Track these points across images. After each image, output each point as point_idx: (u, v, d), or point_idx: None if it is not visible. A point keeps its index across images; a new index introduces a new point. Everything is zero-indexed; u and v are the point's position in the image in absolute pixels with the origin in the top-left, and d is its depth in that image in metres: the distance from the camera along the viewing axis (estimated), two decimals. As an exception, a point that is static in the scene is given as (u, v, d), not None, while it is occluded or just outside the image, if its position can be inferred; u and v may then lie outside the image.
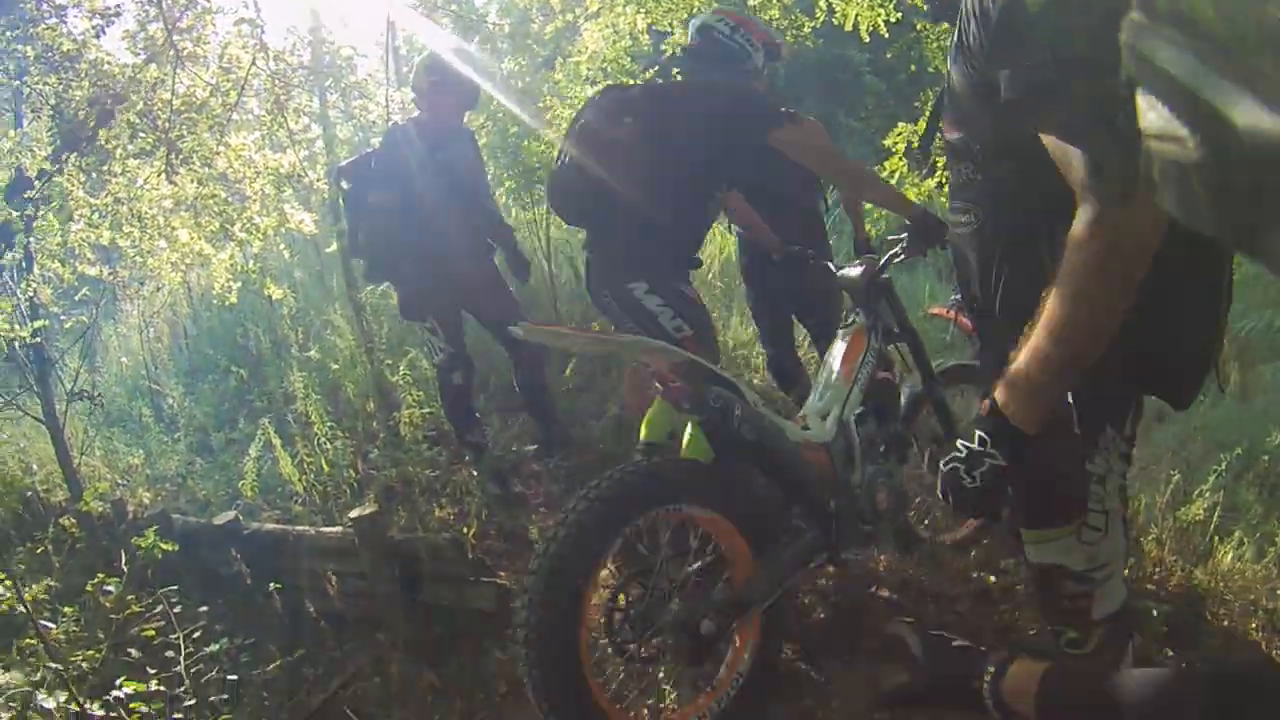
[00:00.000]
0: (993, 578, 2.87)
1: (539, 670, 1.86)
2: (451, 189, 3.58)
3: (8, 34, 4.22)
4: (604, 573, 2.08)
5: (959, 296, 2.63)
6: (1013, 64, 1.08)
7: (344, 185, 3.64)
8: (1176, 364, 1.64)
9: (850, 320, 2.66)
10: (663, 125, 2.68)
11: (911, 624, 1.13)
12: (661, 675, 2.32)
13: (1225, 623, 2.73)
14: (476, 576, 2.91)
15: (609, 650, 2.10)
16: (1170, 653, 2.48)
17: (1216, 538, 3.12)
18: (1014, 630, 2.63)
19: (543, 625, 1.85)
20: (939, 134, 4.46)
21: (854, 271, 2.65)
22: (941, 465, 1.37)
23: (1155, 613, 2.58)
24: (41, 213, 4.36)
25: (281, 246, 5.34)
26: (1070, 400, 1.62)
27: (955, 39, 1.32)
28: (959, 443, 1.35)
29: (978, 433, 1.31)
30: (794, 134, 2.60)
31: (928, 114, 4.76)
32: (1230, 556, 2.98)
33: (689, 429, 2.44)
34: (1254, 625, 2.71)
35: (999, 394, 1.29)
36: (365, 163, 3.63)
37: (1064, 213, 1.21)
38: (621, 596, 2.10)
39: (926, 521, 3.04)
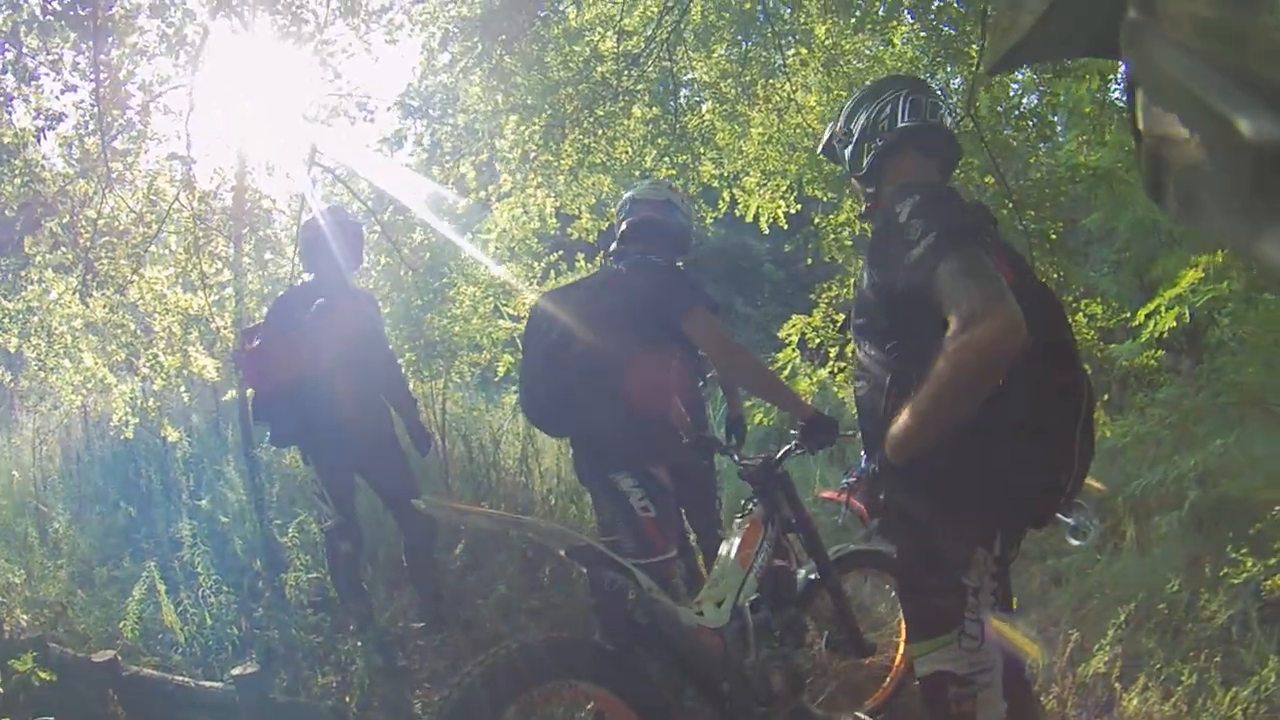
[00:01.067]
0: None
1: None
2: (346, 352, 3.61)
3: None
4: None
5: (850, 480, 2.93)
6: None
7: (246, 348, 3.70)
8: (1032, 492, 1.95)
9: (748, 509, 2.82)
10: (603, 318, 2.88)
11: None
12: None
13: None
14: None
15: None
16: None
17: (1119, 686, 3.20)
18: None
19: None
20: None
21: (753, 463, 2.79)
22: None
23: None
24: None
25: (182, 389, 5.28)
26: (938, 527, 1.97)
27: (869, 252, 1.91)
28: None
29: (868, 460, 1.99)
30: (702, 325, 2.80)
31: (823, 307, 5.07)
32: (1136, 702, 3.09)
33: None
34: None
35: (889, 433, 1.80)
36: (267, 328, 3.70)
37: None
38: None
39: (821, 700, 3.14)
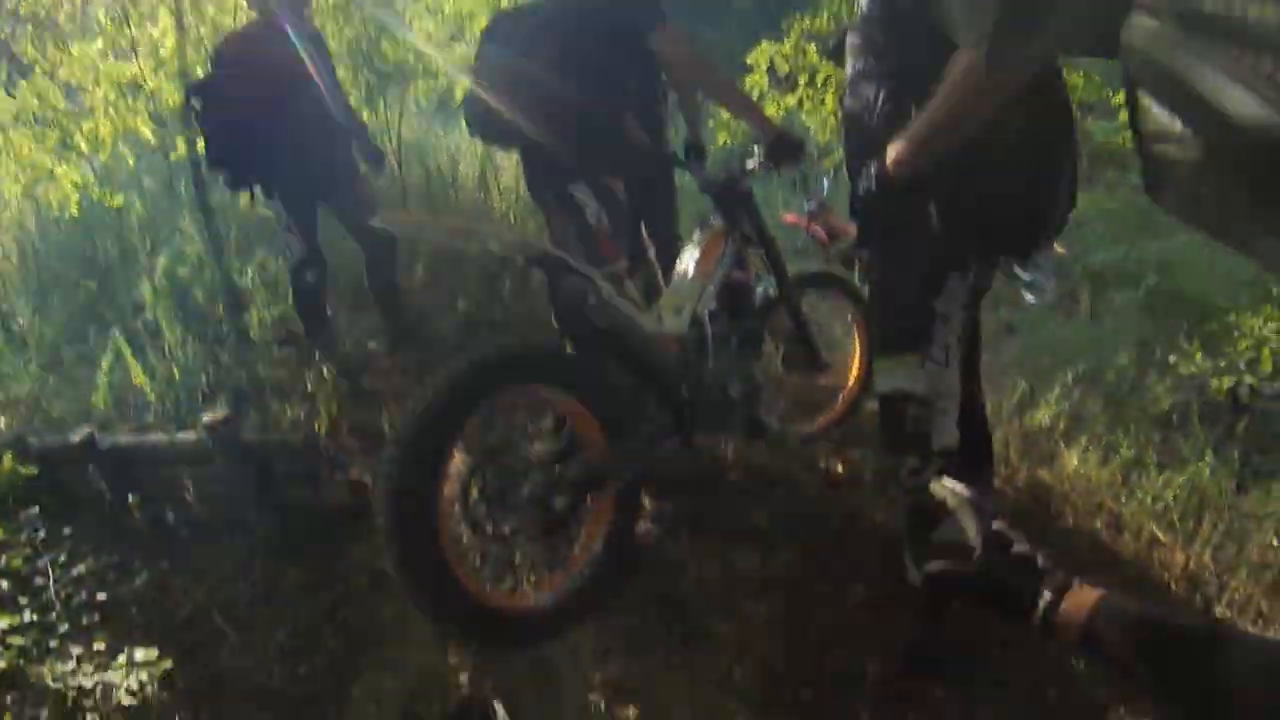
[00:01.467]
0: (840, 466, 3.03)
1: (398, 551, 1.86)
2: (296, 88, 3.56)
3: None
4: (459, 455, 2.09)
5: (812, 206, 2.77)
6: None
7: (195, 105, 3.56)
8: (1015, 221, 1.91)
9: (709, 223, 2.73)
10: (562, 42, 2.69)
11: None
12: (518, 555, 2.38)
13: (1070, 521, 2.93)
14: (331, 474, 2.91)
15: (467, 529, 2.11)
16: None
17: (1062, 443, 3.32)
18: (860, 517, 2.79)
19: (401, 502, 1.85)
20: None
21: (716, 177, 2.73)
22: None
23: (1001, 503, 2.75)
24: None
25: (126, 154, 5.13)
26: (919, 244, 1.93)
27: None
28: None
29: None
30: (670, 39, 2.66)
31: (794, 36, 4.74)
32: (1076, 461, 3.17)
33: None
34: (1099, 524, 2.92)
35: (894, 151, 1.77)
36: (212, 78, 3.61)
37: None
38: (476, 477, 2.10)
39: (776, 415, 3.16)
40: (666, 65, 2.88)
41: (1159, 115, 0.49)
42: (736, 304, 2.73)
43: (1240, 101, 0.40)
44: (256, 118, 3.49)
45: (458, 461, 2.09)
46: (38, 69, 4.65)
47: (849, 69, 2.02)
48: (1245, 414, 3.79)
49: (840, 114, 2.19)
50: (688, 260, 2.67)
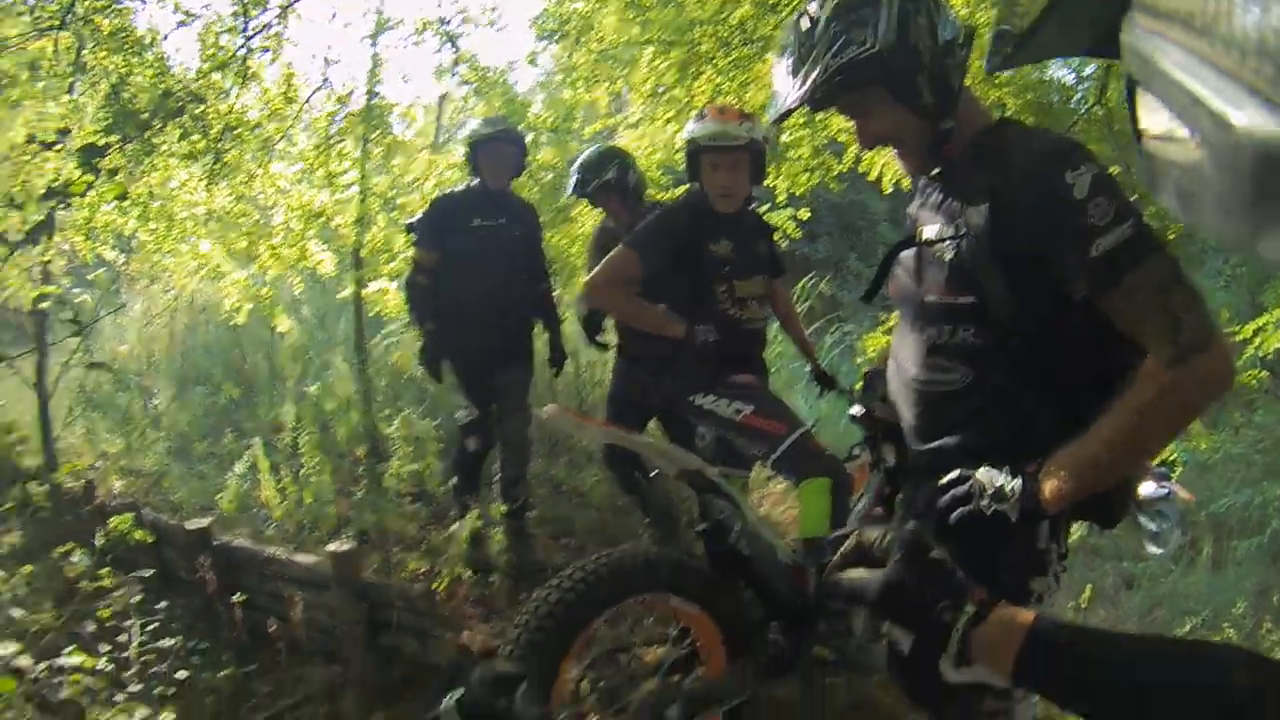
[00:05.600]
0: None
1: None
2: (508, 255, 3.67)
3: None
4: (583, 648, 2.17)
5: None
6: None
7: (421, 276, 3.70)
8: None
9: (854, 454, 2.68)
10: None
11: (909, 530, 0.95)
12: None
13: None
14: (443, 631, 3.01)
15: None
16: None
17: None
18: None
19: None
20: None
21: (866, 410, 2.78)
22: (952, 478, 1.44)
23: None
24: (98, 182, 4.37)
25: (296, 280, 5.40)
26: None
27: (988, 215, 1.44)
28: (984, 473, 1.41)
29: (1010, 482, 1.38)
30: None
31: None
32: None
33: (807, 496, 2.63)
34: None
35: (1051, 467, 1.37)
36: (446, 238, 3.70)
37: (1058, 377, 1.46)
38: (592, 671, 2.24)
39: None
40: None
41: (1159, 115, 0.49)
42: None
43: (1240, 102, 0.39)
44: (495, 293, 3.60)
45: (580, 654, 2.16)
46: (239, 174, 4.82)
47: (923, 327, 1.62)
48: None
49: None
50: None
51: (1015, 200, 1.41)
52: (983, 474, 1.40)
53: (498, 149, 3.71)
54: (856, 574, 0.98)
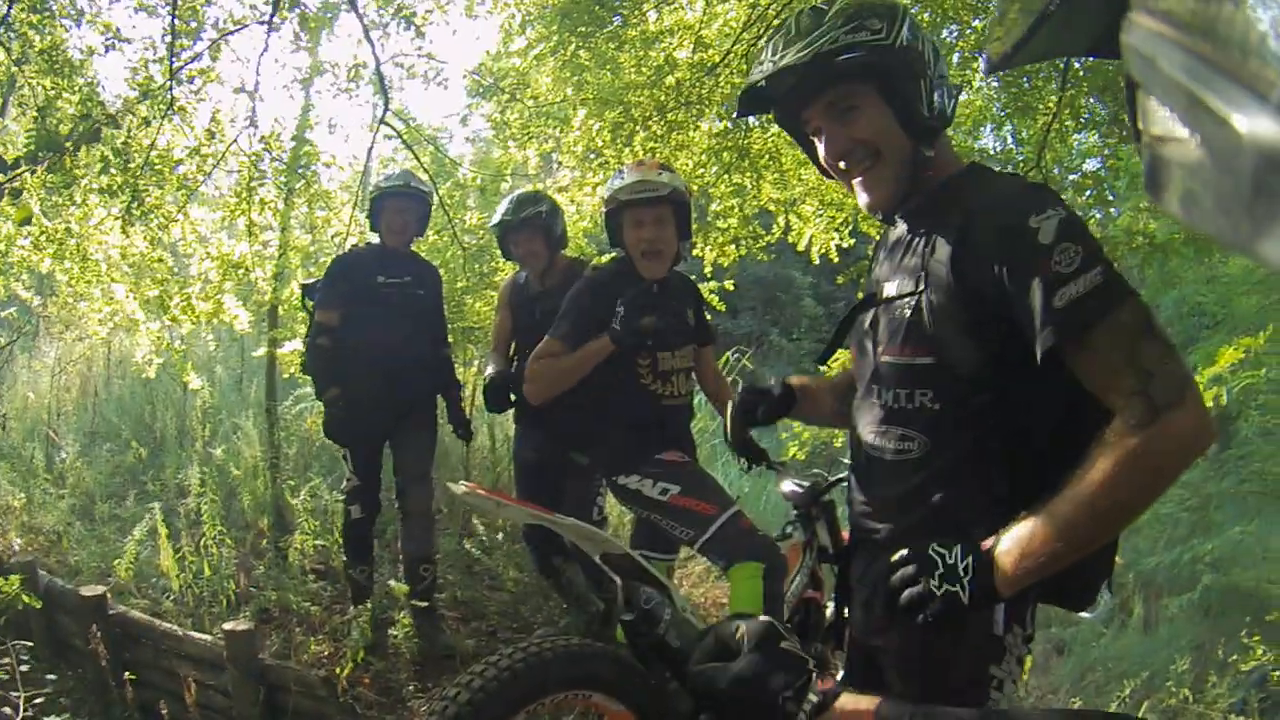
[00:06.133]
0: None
1: None
2: (411, 316, 3.60)
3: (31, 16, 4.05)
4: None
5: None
6: None
7: (326, 325, 3.58)
8: (1076, 570, 1.57)
9: (787, 533, 2.72)
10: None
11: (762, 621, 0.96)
12: None
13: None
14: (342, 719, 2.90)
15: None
16: None
17: None
18: None
19: None
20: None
21: (800, 487, 2.64)
22: (903, 555, 1.35)
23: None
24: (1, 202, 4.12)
25: (209, 337, 5.26)
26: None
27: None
28: (934, 549, 1.31)
29: (964, 560, 1.29)
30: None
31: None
32: None
33: (738, 581, 2.50)
34: None
35: (1008, 545, 1.27)
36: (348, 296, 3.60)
37: (1022, 443, 1.38)
38: None
39: None
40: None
41: (1159, 116, 0.50)
42: (807, 623, 2.65)
43: (1240, 102, 0.40)
44: (399, 351, 3.52)
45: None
46: (155, 216, 4.48)
47: (878, 392, 1.57)
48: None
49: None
50: None
51: (977, 245, 1.35)
52: (934, 550, 1.32)
53: (400, 205, 3.62)
54: (711, 667, 0.98)
